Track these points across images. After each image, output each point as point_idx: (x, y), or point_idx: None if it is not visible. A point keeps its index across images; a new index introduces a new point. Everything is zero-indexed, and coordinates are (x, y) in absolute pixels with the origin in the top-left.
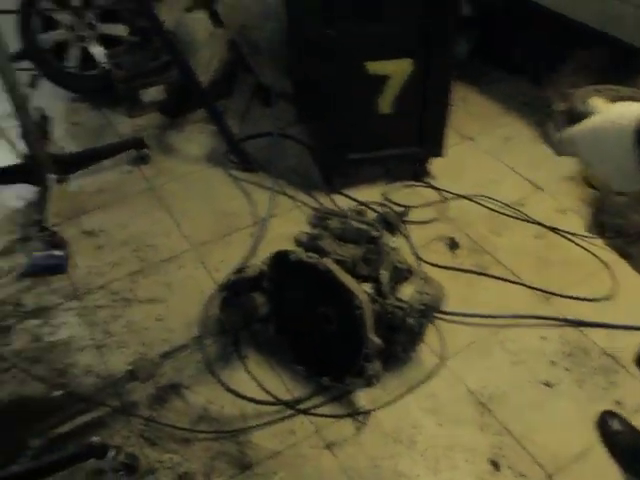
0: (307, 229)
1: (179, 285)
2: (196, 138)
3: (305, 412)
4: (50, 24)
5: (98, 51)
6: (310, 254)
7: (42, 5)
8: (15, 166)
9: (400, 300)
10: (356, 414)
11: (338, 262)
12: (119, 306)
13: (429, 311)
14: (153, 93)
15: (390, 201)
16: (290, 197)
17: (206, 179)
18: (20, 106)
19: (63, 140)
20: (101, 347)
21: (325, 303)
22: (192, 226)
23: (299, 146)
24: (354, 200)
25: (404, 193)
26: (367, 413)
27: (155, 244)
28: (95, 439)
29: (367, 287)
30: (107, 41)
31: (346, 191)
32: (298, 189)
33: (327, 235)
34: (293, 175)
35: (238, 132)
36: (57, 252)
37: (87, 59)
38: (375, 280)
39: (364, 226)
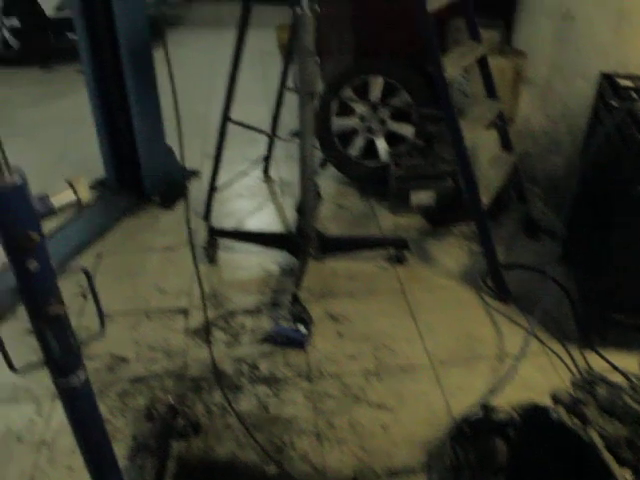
0: (559, 382)
1: (411, 399)
2: (454, 252)
3: None
4: (345, 110)
5: (382, 145)
6: (573, 418)
7: (344, 93)
8: (282, 234)
9: None
10: None
11: (600, 437)
12: (348, 401)
13: None
14: (422, 197)
15: None
16: (540, 341)
17: (457, 297)
18: (307, 179)
19: (327, 219)
20: (321, 437)
21: (575, 477)
22: (434, 340)
23: (558, 288)
24: (609, 363)
25: None
26: None
27: (395, 349)
28: None
29: (628, 475)
30: (392, 138)
31: (601, 350)
32: (550, 334)
33: (592, 402)
34: (547, 317)
35: (499, 258)
36: (302, 327)
37: (369, 150)
38: (636, 469)
39: (635, 405)
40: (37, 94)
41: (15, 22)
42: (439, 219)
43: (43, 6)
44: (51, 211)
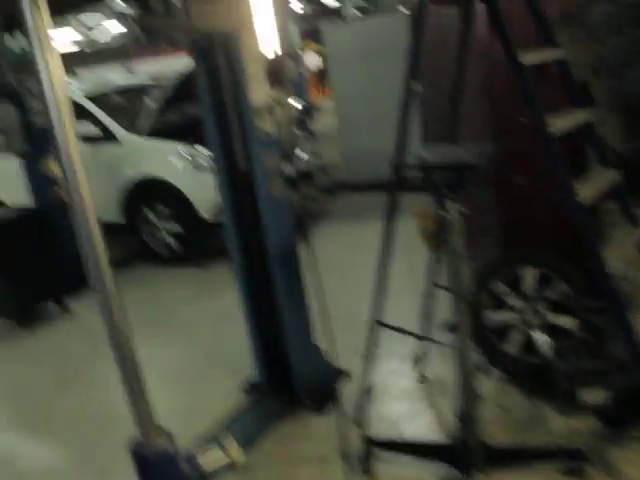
0: None
1: None
2: None
3: None
4: (497, 303)
5: (543, 340)
6: None
7: (495, 286)
8: (443, 445)
9: None
10: None
11: None
12: None
13: None
14: (595, 395)
15: None
16: None
17: None
18: (467, 385)
19: (490, 423)
20: None
21: None
22: None
23: None
24: None
25: None
26: None
27: None
28: None
29: None
30: (553, 331)
31: None
32: None
33: None
34: None
35: None
36: None
37: (528, 344)
38: None
39: None
40: (192, 292)
41: (177, 228)
42: (617, 420)
43: (201, 212)
44: (202, 477)
